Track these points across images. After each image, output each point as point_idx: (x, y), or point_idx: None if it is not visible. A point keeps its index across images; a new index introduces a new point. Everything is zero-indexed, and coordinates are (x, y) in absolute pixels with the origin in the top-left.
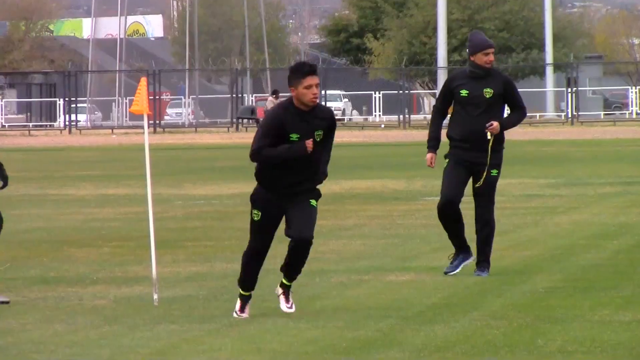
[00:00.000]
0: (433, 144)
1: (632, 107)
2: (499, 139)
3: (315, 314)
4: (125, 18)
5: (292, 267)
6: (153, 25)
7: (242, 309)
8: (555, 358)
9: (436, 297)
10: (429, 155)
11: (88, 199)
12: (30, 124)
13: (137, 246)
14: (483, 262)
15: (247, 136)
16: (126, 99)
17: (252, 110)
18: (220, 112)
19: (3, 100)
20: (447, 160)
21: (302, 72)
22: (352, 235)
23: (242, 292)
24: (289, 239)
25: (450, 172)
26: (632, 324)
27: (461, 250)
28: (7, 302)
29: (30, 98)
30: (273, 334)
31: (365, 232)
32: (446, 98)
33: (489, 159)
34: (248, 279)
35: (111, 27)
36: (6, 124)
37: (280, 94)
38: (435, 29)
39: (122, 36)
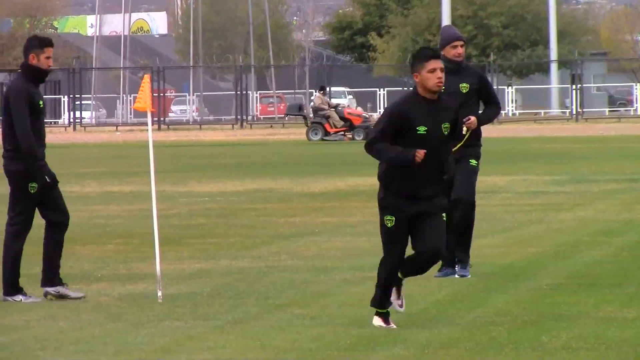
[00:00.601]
0: None
1: (636, 103)
2: (477, 134)
3: (319, 310)
4: (130, 15)
5: (413, 270)
6: (157, 23)
7: (387, 322)
8: (560, 355)
9: (440, 294)
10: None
11: (92, 196)
12: None
13: (141, 243)
14: (464, 257)
15: (251, 133)
16: (130, 96)
17: (300, 107)
18: (224, 109)
19: None
20: None
21: (425, 55)
22: (356, 232)
23: (379, 310)
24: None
25: None
26: (636, 321)
27: (449, 263)
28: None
29: None
30: (277, 331)
31: (370, 229)
32: None
33: (459, 146)
34: (387, 297)
35: (115, 24)
36: None
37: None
38: (439, 27)
39: (126, 33)
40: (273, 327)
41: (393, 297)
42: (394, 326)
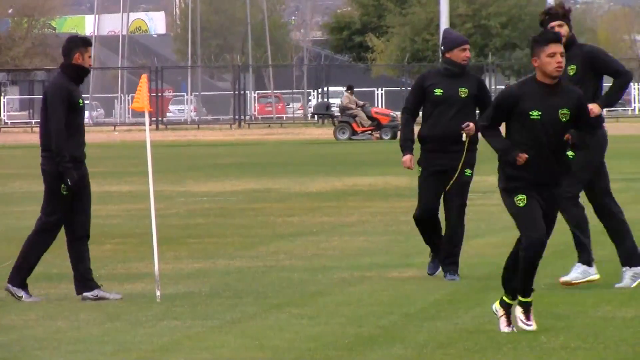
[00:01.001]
0: (408, 145)
1: (634, 103)
2: (473, 139)
3: (317, 310)
4: (128, 15)
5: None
6: (155, 22)
7: (528, 317)
8: (558, 354)
9: (439, 294)
10: (406, 157)
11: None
12: (33, 120)
13: (140, 243)
14: (452, 265)
15: (249, 133)
16: (128, 96)
17: (327, 107)
18: (222, 109)
19: (5, 97)
20: (420, 169)
21: (545, 39)
22: (354, 232)
23: (522, 299)
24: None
25: (425, 181)
26: (634, 320)
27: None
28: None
29: (33, 95)
30: (275, 331)
31: (368, 229)
32: (418, 98)
33: (462, 161)
34: (531, 282)
35: (114, 24)
36: (8, 121)
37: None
38: (438, 26)
39: (124, 33)
40: (271, 327)
41: (503, 325)
42: (533, 325)
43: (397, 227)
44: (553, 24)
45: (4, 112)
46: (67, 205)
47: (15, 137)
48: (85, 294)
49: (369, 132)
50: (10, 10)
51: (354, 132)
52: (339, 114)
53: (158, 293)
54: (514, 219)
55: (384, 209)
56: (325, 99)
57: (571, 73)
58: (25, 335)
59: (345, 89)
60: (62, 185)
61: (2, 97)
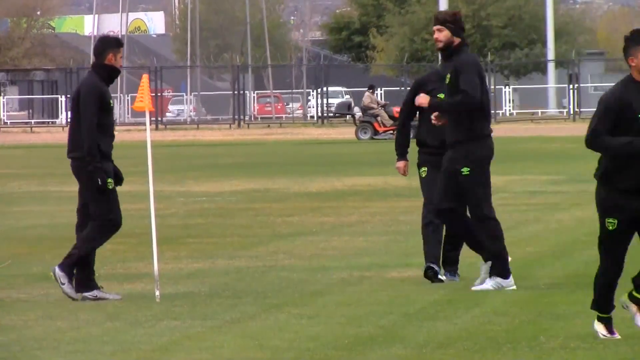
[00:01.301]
0: (403, 150)
1: None
2: None
3: (317, 310)
4: (127, 15)
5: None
6: (155, 22)
7: (610, 331)
8: (558, 354)
9: (438, 294)
10: (401, 164)
11: None
12: (32, 120)
13: (139, 243)
14: (452, 266)
15: (248, 133)
16: (128, 96)
17: (349, 106)
18: (221, 109)
19: (5, 97)
20: (423, 168)
21: None
22: (354, 232)
23: (600, 314)
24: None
25: (432, 179)
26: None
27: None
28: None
29: (32, 95)
30: (275, 331)
31: (367, 229)
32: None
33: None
34: (608, 301)
35: (113, 24)
36: (8, 121)
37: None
38: None
39: (123, 33)
40: (271, 327)
41: (635, 309)
42: (618, 336)
43: (397, 227)
44: (434, 28)
45: (4, 112)
46: (116, 198)
47: (15, 137)
48: (84, 294)
49: (391, 131)
50: (38, 12)
51: (376, 132)
52: (361, 114)
53: (157, 293)
54: (599, 239)
55: (384, 209)
56: (349, 98)
57: (447, 81)
58: (24, 335)
59: (367, 88)
60: (108, 180)
61: (1, 97)
